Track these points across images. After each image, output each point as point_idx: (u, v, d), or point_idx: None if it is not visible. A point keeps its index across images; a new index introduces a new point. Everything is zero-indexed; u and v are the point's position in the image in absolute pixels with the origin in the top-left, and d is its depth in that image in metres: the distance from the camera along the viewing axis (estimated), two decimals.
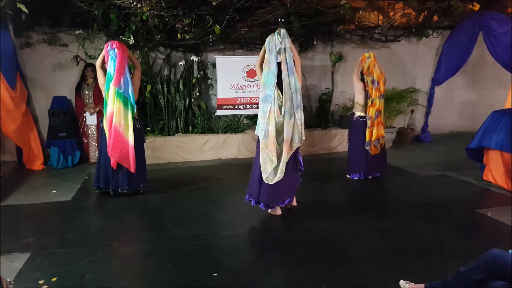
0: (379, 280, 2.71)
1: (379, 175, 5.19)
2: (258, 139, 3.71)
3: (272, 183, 3.62)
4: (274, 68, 3.55)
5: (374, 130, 4.90)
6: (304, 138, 3.69)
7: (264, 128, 3.57)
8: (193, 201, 4.37)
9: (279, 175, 3.59)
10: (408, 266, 2.90)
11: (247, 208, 3.96)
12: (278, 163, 3.59)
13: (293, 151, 3.65)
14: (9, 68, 5.09)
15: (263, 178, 3.63)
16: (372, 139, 4.93)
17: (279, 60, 3.59)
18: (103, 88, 4.16)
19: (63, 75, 6.14)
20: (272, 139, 3.55)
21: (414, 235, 3.47)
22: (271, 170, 3.60)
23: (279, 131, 3.58)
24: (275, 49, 3.56)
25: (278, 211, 3.84)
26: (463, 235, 3.48)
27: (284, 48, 3.55)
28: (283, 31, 3.59)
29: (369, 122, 4.91)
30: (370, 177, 5.11)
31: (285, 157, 3.58)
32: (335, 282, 2.70)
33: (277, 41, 3.55)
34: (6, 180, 4.99)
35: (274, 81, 3.54)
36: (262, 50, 3.71)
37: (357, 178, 5.10)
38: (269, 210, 3.86)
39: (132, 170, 4.20)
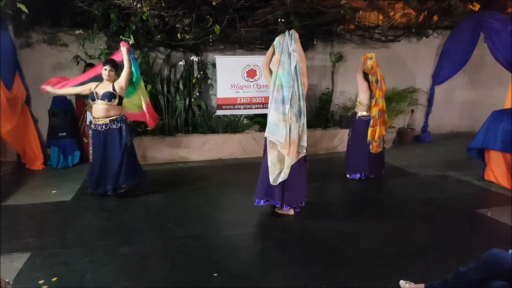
0: (379, 280, 2.71)
1: (369, 177, 5.13)
2: (265, 142, 3.69)
3: (288, 184, 3.62)
4: (289, 68, 3.50)
5: (377, 130, 4.92)
6: (305, 145, 3.61)
7: (284, 131, 3.51)
8: (193, 201, 4.37)
9: (283, 176, 3.57)
10: (408, 266, 2.90)
11: (247, 208, 3.96)
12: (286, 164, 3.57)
13: (300, 156, 3.63)
14: (7, 69, 5.07)
15: (270, 180, 3.59)
16: (376, 138, 4.94)
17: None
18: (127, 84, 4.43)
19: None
20: (288, 141, 3.53)
21: (414, 235, 3.47)
22: (278, 172, 3.58)
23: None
24: (288, 50, 3.53)
25: (291, 211, 3.83)
26: (463, 235, 3.48)
27: (294, 51, 3.52)
28: (296, 35, 3.57)
29: (372, 122, 4.93)
30: (373, 176, 5.11)
31: (293, 159, 3.55)
32: (335, 282, 2.70)
33: (289, 42, 3.53)
34: (6, 180, 4.99)
35: (291, 82, 3.49)
36: (270, 50, 3.68)
37: (357, 177, 5.10)
38: (279, 210, 3.85)
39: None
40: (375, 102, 4.88)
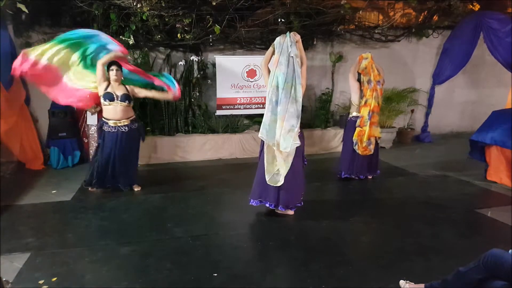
0: (379, 280, 2.71)
1: (367, 177, 5.11)
2: (262, 142, 3.69)
3: (283, 185, 3.60)
4: (286, 70, 3.50)
5: (366, 131, 4.83)
6: (297, 142, 3.52)
7: (276, 132, 3.51)
8: (193, 201, 4.37)
9: (282, 177, 3.58)
10: (408, 266, 2.90)
11: (247, 208, 3.96)
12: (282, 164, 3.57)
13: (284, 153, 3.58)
14: (6, 69, 5.06)
15: (266, 180, 3.60)
16: (364, 140, 4.85)
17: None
18: None
19: None
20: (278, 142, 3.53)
21: (414, 235, 3.47)
22: (275, 172, 3.58)
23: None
24: (287, 52, 3.52)
25: (290, 211, 3.83)
26: (463, 235, 3.48)
27: (295, 54, 3.52)
28: (297, 37, 3.57)
29: (358, 121, 4.86)
30: (362, 177, 5.05)
31: (288, 160, 3.54)
32: (335, 282, 2.70)
33: (289, 44, 3.52)
34: (6, 180, 4.99)
35: (288, 84, 3.49)
36: (270, 49, 3.67)
37: (343, 177, 5.05)
38: (279, 210, 3.84)
39: None
40: (365, 102, 4.81)
